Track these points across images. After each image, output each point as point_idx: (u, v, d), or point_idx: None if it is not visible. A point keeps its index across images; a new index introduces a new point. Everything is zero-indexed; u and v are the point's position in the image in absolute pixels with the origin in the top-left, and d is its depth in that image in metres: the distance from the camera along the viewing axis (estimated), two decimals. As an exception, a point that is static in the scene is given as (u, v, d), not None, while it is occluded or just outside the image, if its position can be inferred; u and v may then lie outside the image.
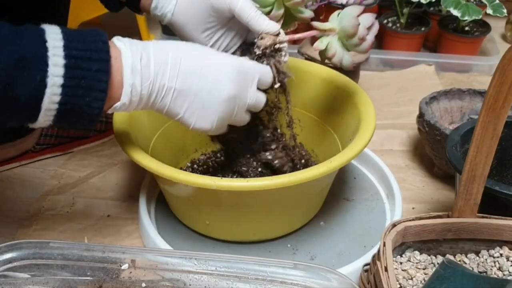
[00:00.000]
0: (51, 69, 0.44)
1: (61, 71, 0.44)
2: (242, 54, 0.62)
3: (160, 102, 0.52)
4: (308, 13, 0.61)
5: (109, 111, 0.51)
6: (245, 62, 0.56)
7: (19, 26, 0.44)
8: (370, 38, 0.60)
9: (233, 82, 0.53)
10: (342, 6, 0.89)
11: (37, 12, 0.70)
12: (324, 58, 0.62)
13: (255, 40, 0.59)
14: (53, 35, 0.45)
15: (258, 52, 0.58)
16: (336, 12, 0.61)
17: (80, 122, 0.49)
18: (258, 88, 0.57)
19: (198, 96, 0.52)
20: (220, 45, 0.62)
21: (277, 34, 0.58)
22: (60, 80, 0.44)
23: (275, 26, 0.58)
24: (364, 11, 0.94)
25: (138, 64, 0.49)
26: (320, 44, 0.60)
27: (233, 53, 0.63)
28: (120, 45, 0.49)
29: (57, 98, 0.45)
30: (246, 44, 0.63)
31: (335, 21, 0.60)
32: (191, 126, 0.55)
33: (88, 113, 0.47)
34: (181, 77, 0.51)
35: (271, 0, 0.59)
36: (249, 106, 0.57)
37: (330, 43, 0.60)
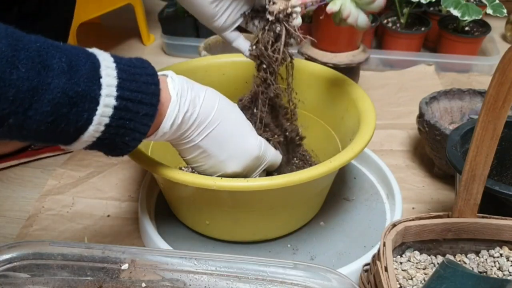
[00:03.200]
0: (101, 109, 0.42)
1: (110, 112, 0.43)
2: (251, 20, 0.62)
3: (177, 144, 0.54)
4: None
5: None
6: (268, 150, 0.60)
7: (70, 49, 0.41)
8: None
9: (243, 165, 0.57)
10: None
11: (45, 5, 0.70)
12: (338, 20, 0.60)
13: (266, 6, 0.58)
14: (108, 71, 0.42)
15: (271, 18, 0.58)
16: None
17: (110, 153, 0.48)
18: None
19: (210, 157, 0.55)
20: (229, 13, 0.61)
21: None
22: (107, 120, 0.43)
23: None
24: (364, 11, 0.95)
25: (180, 118, 0.49)
26: (333, 6, 0.58)
27: (243, 19, 0.62)
28: (172, 91, 0.49)
29: (99, 134, 0.44)
30: (254, 11, 0.62)
31: None
32: (190, 167, 0.57)
33: (122, 148, 0.47)
34: (207, 138, 0.53)
35: None
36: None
37: (343, 4, 0.58)
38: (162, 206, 0.73)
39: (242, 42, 0.63)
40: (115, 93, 0.42)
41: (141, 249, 0.53)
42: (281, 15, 0.58)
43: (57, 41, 0.41)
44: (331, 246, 0.67)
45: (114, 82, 0.42)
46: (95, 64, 0.42)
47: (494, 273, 0.54)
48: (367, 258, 0.63)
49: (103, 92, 0.42)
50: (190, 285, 0.51)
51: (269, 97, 0.64)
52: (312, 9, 0.95)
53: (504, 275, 0.54)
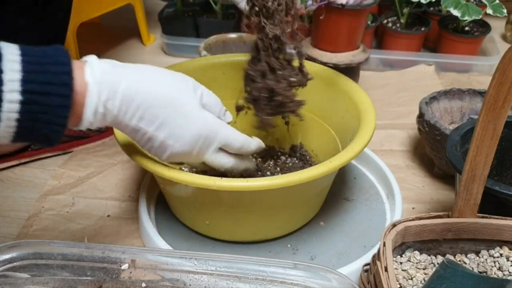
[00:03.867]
0: (6, 105, 0.41)
1: (16, 107, 0.41)
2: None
3: (118, 127, 0.51)
4: None
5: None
6: (222, 129, 0.55)
7: None
8: None
9: (188, 144, 0.53)
10: (342, 6, 0.89)
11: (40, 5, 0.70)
12: None
13: None
14: (12, 64, 0.41)
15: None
16: None
17: (39, 144, 0.47)
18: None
19: (151, 139, 0.51)
20: None
21: None
22: (16, 115, 0.42)
23: None
24: (364, 11, 0.95)
25: (102, 107, 0.47)
26: None
27: None
28: (89, 79, 0.46)
29: (12, 130, 0.43)
30: None
31: None
32: (145, 150, 0.54)
33: (45, 141, 0.45)
34: (140, 120, 0.50)
35: None
36: (206, 162, 0.56)
37: None
38: (162, 206, 0.73)
39: None
40: (19, 88, 0.41)
41: (141, 249, 0.53)
42: None
43: (55, 39, 0.41)
44: (331, 246, 0.67)
45: (18, 76, 0.41)
46: None
47: (494, 273, 0.54)
48: (367, 258, 0.63)
49: (6, 88, 0.40)
50: (190, 285, 0.51)
51: (269, 42, 0.60)
52: (312, 9, 0.95)
53: (504, 275, 0.54)
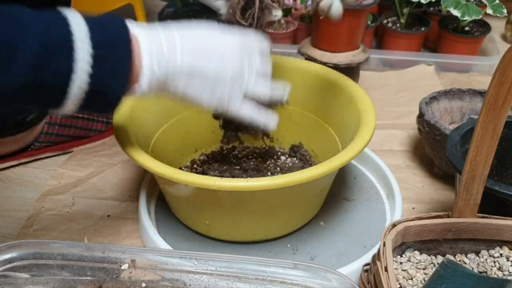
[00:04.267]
0: (79, 55, 0.44)
1: (88, 56, 0.45)
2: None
3: (175, 88, 0.53)
4: None
5: (131, 95, 0.52)
6: (247, 33, 0.58)
7: (38, 11, 0.44)
8: None
9: (237, 56, 0.55)
10: (342, 6, 0.89)
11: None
12: (314, 4, 0.60)
13: None
14: (76, 21, 0.45)
15: None
16: None
17: (103, 106, 0.50)
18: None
19: (207, 75, 0.54)
20: None
21: None
22: (87, 65, 0.45)
23: None
24: (364, 11, 0.95)
25: (154, 49, 0.50)
26: None
27: None
28: (135, 29, 0.50)
29: (84, 83, 0.45)
30: None
31: None
32: (205, 106, 0.56)
33: (111, 97, 0.49)
34: (188, 59, 0.53)
35: None
36: (258, 72, 0.58)
37: None
38: (162, 206, 0.73)
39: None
40: (87, 40, 0.45)
41: (141, 249, 0.53)
42: None
43: None
44: (331, 246, 0.67)
45: (85, 28, 0.45)
46: (64, 18, 0.45)
47: (494, 273, 0.54)
48: (367, 258, 0.63)
49: (77, 38, 0.44)
50: (190, 285, 0.51)
51: None
52: (312, 9, 0.95)
53: (504, 275, 0.54)
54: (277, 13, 0.61)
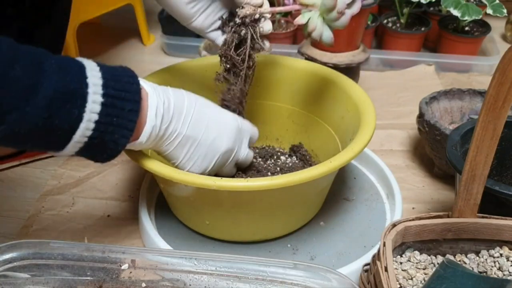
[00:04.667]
0: (90, 105, 0.46)
1: (98, 108, 0.46)
2: (228, 23, 0.64)
3: (167, 145, 0.56)
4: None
5: (126, 148, 0.53)
6: (244, 122, 0.64)
7: (59, 56, 0.46)
8: (349, 13, 0.60)
9: (231, 139, 0.60)
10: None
11: (39, 7, 0.70)
12: (306, 33, 0.62)
13: (237, 10, 0.61)
14: (93, 72, 0.47)
15: (237, 20, 0.61)
16: None
17: (101, 155, 0.51)
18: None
19: (201, 145, 0.58)
20: (206, 15, 0.64)
21: (260, 6, 0.60)
22: (96, 117, 0.46)
23: None
24: (364, 11, 0.95)
25: (161, 108, 0.52)
26: (301, 19, 0.61)
27: (220, 22, 0.65)
28: (147, 87, 0.52)
29: (89, 133, 0.47)
30: (231, 15, 0.65)
31: None
32: (186, 169, 0.59)
33: (112, 148, 0.50)
34: (191, 125, 0.56)
35: None
36: (240, 161, 0.65)
37: (311, 18, 0.60)
38: (162, 206, 0.73)
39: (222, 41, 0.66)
40: (101, 91, 0.47)
41: (141, 249, 0.53)
42: (247, 19, 0.61)
43: (55, 43, 0.44)
44: (331, 246, 0.67)
45: (100, 81, 0.47)
46: (81, 67, 0.47)
47: (494, 273, 0.54)
48: (367, 258, 0.63)
49: (90, 90, 0.46)
50: (190, 285, 0.51)
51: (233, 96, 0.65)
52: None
53: (504, 275, 0.54)
54: (266, 46, 0.64)
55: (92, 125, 0.47)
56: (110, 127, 0.48)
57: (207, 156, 0.59)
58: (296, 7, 0.61)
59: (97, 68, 0.48)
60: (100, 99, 0.46)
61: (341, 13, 0.59)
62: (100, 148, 0.50)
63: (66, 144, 0.47)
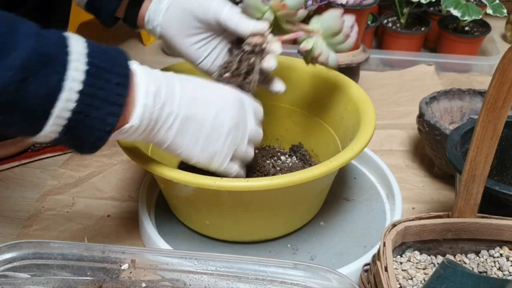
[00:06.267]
0: (72, 73, 0.41)
1: (81, 76, 0.42)
2: (230, 54, 0.63)
3: (166, 132, 0.51)
4: (296, 28, 0.61)
5: (116, 136, 0.48)
6: (244, 95, 0.57)
7: (41, 27, 0.42)
8: (354, 35, 0.61)
9: (235, 112, 0.54)
10: (342, 6, 0.89)
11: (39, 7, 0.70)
12: (309, 59, 0.63)
13: (246, 39, 0.59)
14: (78, 43, 0.43)
15: (248, 48, 0.59)
16: (315, 16, 0.62)
17: (87, 139, 0.45)
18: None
19: (203, 124, 0.52)
20: (210, 51, 0.63)
21: (264, 35, 0.59)
22: (79, 86, 0.42)
23: (262, 24, 0.58)
24: (364, 11, 0.95)
25: (153, 86, 0.48)
26: (306, 45, 0.61)
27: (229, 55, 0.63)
28: (135, 66, 0.48)
29: (72, 105, 0.42)
30: (232, 43, 0.64)
31: (316, 23, 0.61)
32: (193, 159, 0.54)
33: (99, 128, 0.45)
34: (187, 104, 0.51)
35: (264, 9, 0.59)
36: (250, 137, 0.57)
37: (316, 43, 0.61)
38: (162, 206, 0.73)
39: None
40: (85, 59, 0.42)
41: (141, 249, 0.53)
42: (256, 48, 0.59)
43: None
44: (331, 246, 0.67)
45: (84, 50, 0.43)
46: (64, 36, 0.43)
47: (494, 273, 0.54)
48: (367, 258, 0.63)
49: (72, 57, 0.42)
50: (190, 285, 0.51)
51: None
52: (312, 9, 0.95)
53: (504, 275, 0.54)
54: (271, 64, 0.61)
55: (74, 96, 0.41)
56: (96, 101, 0.43)
57: (213, 136, 0.53)
58: (301, 33, 0.61)
59: (83, 40, 0.44)
60: (83, 67, 0.42)
61: (348, 36, 0.60)
62: (86, 129, 0.44)
63: (44, 121, 0.41)
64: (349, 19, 0.61)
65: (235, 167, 0.57)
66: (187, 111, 0.51)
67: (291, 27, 0.61)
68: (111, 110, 0.44)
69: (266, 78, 0.63)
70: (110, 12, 0.66)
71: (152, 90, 0.48)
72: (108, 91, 0.44)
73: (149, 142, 0.53)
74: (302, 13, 0.60)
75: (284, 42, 0.61)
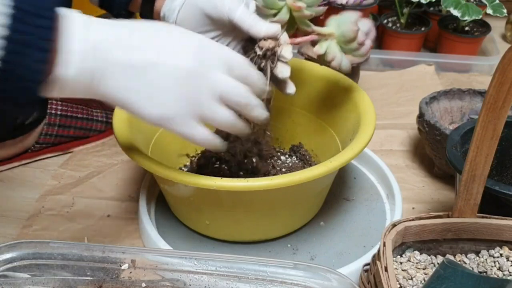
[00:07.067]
0: None
1: (6, 20, 0.39)
2: (244, 52, 0.62)
3: (109, 81, 0.45)
4: (311, 27, 0.61)
5: (53, 88, 0.43)
6: (214, 42, 0.51)
7: None
8: (368, 43, 0.61)
9: (192, 56, 0.46)
10: (343, 6, 0.89)
11: None
12: (323, 62, 0.62)
13: (258, 41, 0.58)
14: None
15: (259, 52, 0.58)
16: (332, 17, 0.62)
17: (22, 94, 0.42)
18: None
19: (148, 71, 0.45)
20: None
21: (277, 39, 0.58)
22: (4, 31, 0.39)
23: (275, 28, 0.57)
24: (364, 11, 0.95)
25: (93, 34, 0.44)
26: (320, 49, 0.61)
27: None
28: (73, 13, 0.45)
29: (1, 53, 0.39)
30: (247, 41, 0.63)
31: (332, 26, 0.61)
32: (145, 116, 0.47)
33: (30, 79, 0.41)
34: (135, 47, 0.45)
35: (280, 5, 0.59)
36: (222, 92, 0.48)
37: (329, 47, 0.61)
38: (162, 206, 0.73)
39: None
40: (10, 2, 0.40)
41: (141, 249, 0.53)
42: (268, 53, 0.58)
43: None
44: (331, 246, 0.67)
45: None
46: None
47: (494, 273, 0.54)
48: (367, 258, 0.63)
49: None
50: (190, 285, 0.51)
51: None
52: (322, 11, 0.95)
53: (504, 275, 0.54)
54: (285, 73, 0.59)
55: (1, 43, 0.39)
56: (25, 48, 0.40)
57: (164, 85, 0.46)
58: (314, 37, 0.61)
59: None
60: (8, 10, 0.39)
61: (362, 44, 0.59)
62: (19, 80, 0.41)
63: None
64: (365, 24, 0.61)
65: (202, 131, 0.49)
66: (133, 55, 0.45)
67: (306, 27, 0.61)
68: (38, 57, 0.41)
69: (278, 79, 0.62)
70: (123, 5, 0.67)
71: (93, 37, 0.44)
72: (35, 35, 0.41)
73: (93, 97, 0.46)
74: (319, 10, 0.60)
75: (296, 44, 0.60)
